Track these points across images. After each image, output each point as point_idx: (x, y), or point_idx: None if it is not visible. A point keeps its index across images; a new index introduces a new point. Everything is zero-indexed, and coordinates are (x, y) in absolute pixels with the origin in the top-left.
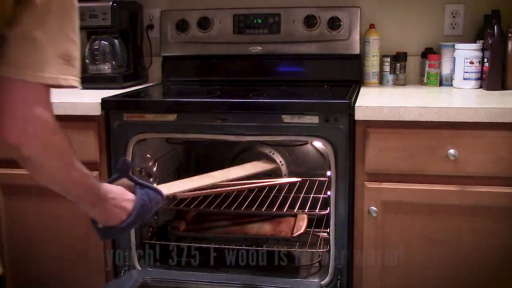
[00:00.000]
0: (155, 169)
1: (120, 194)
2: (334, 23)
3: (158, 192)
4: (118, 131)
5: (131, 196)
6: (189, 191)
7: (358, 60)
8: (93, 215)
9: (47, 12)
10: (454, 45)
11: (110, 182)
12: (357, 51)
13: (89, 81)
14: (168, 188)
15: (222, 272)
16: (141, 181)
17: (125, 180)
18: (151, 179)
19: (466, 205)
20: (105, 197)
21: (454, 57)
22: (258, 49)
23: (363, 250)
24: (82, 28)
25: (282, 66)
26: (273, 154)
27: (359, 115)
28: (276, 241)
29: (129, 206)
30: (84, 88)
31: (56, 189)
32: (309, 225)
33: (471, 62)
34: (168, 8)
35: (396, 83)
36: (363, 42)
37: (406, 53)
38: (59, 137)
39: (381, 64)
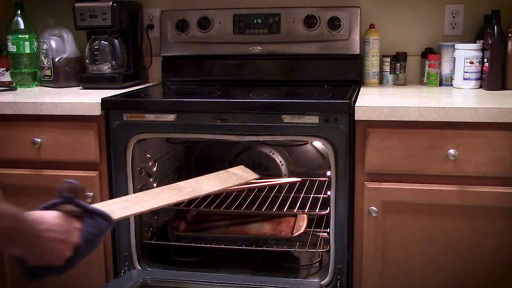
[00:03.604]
0: (155, 169)
1: (59, 224)
2: (334, 23)
3: (109, 219)
4: (118, 131)
5: (75, 225)
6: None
7: (358, 60)
8: (18, 253)
9: None
10: (454, 45)
11: (49, 208)
12: (357, 51)
13: (89, 81)
14: (122, 210)
15: (222, 272)
16: (90, 207)
17: (68, 206)
18: (151, 179)
19: (466, 205)
20: (34, 230)
21: (454, 57)
22: (258, 49)
23: (363, 250)
24: (82, 28)
25: (282, 66)
26: (273, 154)
27: (359, 115)
28: (276, 241)
29: (74, 238)
30: (84, 88)
31: None
32: (309, 225)
33: (471, 62)
34: (168, 8)
35: (396, 83)
36: (363, 42)
37: (406, 53)
38: None
39: (381, 64)
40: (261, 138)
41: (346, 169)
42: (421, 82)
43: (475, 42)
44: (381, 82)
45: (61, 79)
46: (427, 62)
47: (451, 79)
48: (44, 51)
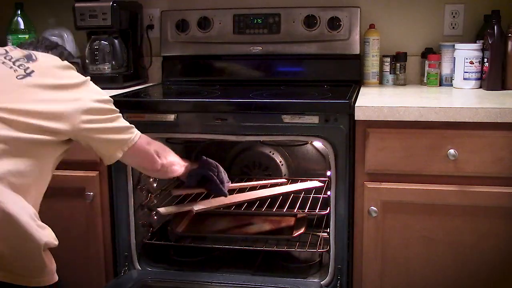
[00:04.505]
0: None
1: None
2: (334, 23)
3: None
4: None
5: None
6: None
7: (358, 60)
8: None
9: None
10: (454, 45)
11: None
12: (357, 51)
13: None
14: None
15: (222, 272)
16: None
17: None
18: (151, 179)
19: (466, 205)
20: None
21: (454, 57)
22: (258, 49)
23: (363, 250)
24: (82, 28)
25: (282, 66)
26: (273, 154)
27: (359, 115)
28: (276, 241)
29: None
30: None
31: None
32: (309, 225)
33: (471, 62)
34: (168, 8)
35: (396, 83)
36: (363, 42)
37: (406, 53)
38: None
39: (381, 64)
40: (261, 138)
41: (346, 169)
42: (421, 82)
43: (475, 42)
44: (381, 82)
45: None
46: (427, 62)
47: (451, 79)
48: None
